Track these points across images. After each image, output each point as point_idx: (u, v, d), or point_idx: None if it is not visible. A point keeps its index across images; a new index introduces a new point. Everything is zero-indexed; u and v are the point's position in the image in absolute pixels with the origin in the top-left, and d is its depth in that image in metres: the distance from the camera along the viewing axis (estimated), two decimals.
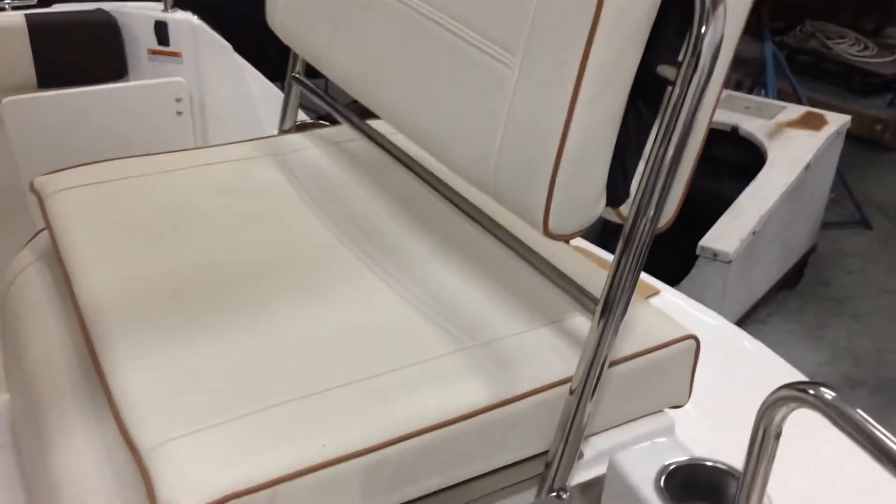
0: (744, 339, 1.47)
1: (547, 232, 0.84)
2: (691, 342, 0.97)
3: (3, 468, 1.25)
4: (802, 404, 0.66)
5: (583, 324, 0.96)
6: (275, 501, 0.78)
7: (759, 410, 0.71)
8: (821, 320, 2.96)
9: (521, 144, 0.84)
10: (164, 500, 0.75)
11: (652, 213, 0.82)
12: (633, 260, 0.83)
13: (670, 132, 0.79)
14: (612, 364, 0.91)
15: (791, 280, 3.08)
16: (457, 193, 1.10)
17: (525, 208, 0.85)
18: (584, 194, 0.84)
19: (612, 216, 0.87)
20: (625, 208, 0.85)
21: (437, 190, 1.11)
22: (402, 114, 1.04)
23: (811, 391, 0.65)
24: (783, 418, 0.69)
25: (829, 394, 0.64)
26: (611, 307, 0.85)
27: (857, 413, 0.62)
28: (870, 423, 0.61)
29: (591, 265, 1.06)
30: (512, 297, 1.01)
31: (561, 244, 1.13)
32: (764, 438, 0.71)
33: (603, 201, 0.85)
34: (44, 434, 1.00)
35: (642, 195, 0.81)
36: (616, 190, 0.85)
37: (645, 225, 0.82)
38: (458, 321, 0.97)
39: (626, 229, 0.83)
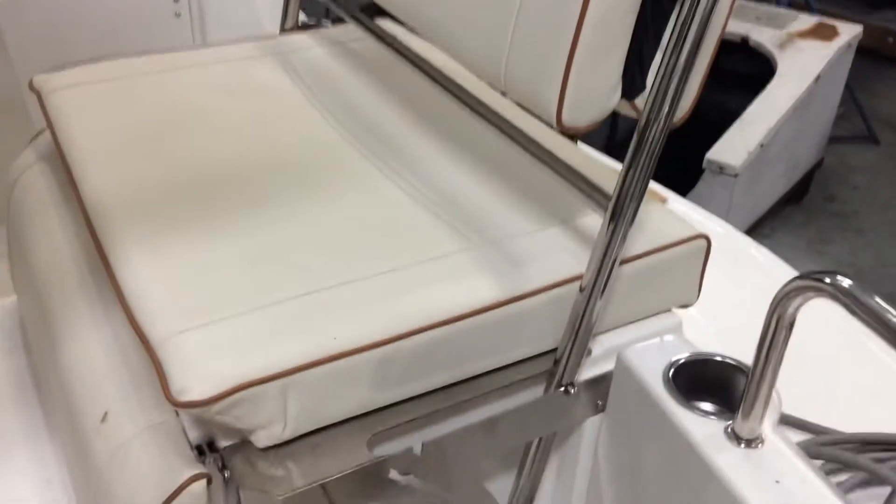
0: (751, 247, 1.46)
1: (560, 125, 0.82)
2: (702, 241, 0.96)
3: (14, 368, 1.26)
4: (818, 293, 0.66)
5: (593, 223, 0.95)
6: (286, 392, 0.78)
7: (773, 301, 0.71)
8: (825, 235, 2.96)
9: (534, 32, 0.82)
10: (177, 389, 0.75)
11: (668, 106, 0.80)
12: (647, 155, 0.82)
13: (690, 20, 0.76)
14: (623, 262, 0.91)
15: (796, 195, 3.06)
16: (465, 91, 1.07)
17: (537, 100, 0.83)
18: (599, 85, 0.82)
19: (626, 109, 0.85)
20: (640, 101, 0.83)
21: (445, 88, 1.09)
22: (411, 4, 1.00)
23: (827, 279, 0.65)
24: (797, 308, 0.69)
25: (846, 281, 0.64)
26: (623, 204, 0.83)
27: (875, 300, 0.61)
28: (888, 310, 0.61)
29: (601, 166, 1.04)
30: (522, 197, 1.00)
31: (571, 146, 1.11)
32: (777, 329, 0.71)
33: (618, 93, 0.83)
34: (53, 331, 1.00)
35: (659, 86, 0.79)
36: (632, 81, 0.83)
37: (661, 118, 0.80)
38: (467, 220, 0.96)
39: (641, 123, 0.81)
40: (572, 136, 1.13)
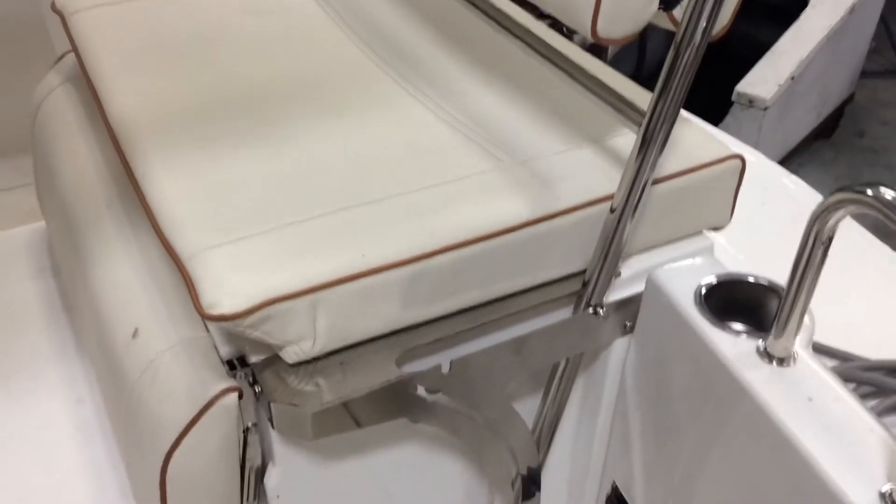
0: (782, 176, 1.44)
1: (595, 35, 0.80)
2: (737, 162, 0.94)
3: (45, 292, 1.28)
4: (860, 206, 0.64)
5: (625, 143, 0.93)
6: (315, 308, 0.78)
7: (812, 215, 0.69)
8: (854, 171, 2.91)
9: None
10: (208, 303, 0.75)
11: (706, 18, 0.77)
12: (683, 71, 0.79)
13: None
14: (655, 182, 0.89)
15: (826, 130, 3.00)
16: (494, 7, 1.05)
17: (571, 9, 0.81)
18: None
19: (663, 21, 0.83)
20: (678, 13, 0.81)
21: (474, 5, 1.06)
22: None
23: (870, 191, 0.63)
24: (837, 222, 0.68)
25: (889, 193, 0.62)
26: (657, 122, 0.81)
27: None
28: None
29: (633, 85, 1.02)
30: (553, 117, 0.98)
31: (603, 66, 1.09)
32: (815, 244, 0.69)
33: (655, 3, 0.81)
34: (82, 251, 1.00)
35: None
36: None
37: (699, 30, 0.77)
38: (497, 139, 0.95)
39: (679, 36, 0.78)
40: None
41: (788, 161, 2.83)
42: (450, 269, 0.84)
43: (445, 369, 0.86)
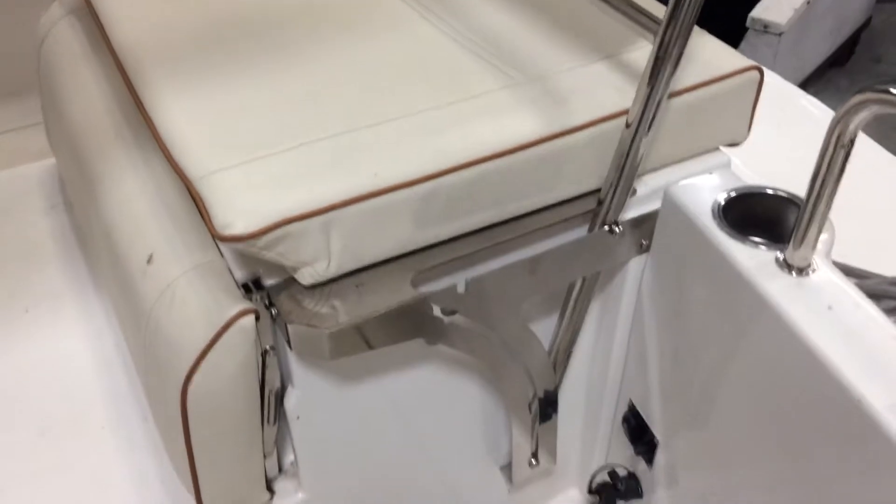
0: (801, 97, 1.41)
1: None
2: (755, 74, 0.92)
3: (58, 227, 1.28)
4: (883, 105, 0.62)
5: (640, 57, 0.91)
6: (329, 228, 0.78)
7: (833, 119, 0.67)
8: None
9: None
10: (221, 224, 0.75)
11: None
12: None
13: None
14: (671, 96, 0.87)
15: (841, 57, 2.95)
16: None
17: None
18: None
19: None
20: None
21: None
22: None
23: (893, 90, 0.61)
24: (859, 125, 0.66)
25: None
26: (673, 32, 0.79)
27: None
28: None
29: None
30: (565, 33, 0.96)
31: None
32: (836, 148, 0.68)
33: None
34: (93, 182, 1.00)
35: None
36: None
37: None
38: (508, 58, 0.93)
39: None
40: None
41: (803, 89, 2.78)
42: (463, 188, 0.83)
43: (461, 289, 0.86)
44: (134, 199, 0.92)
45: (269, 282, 0.83)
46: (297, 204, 0.76)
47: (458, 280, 0.85)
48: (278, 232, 0.75)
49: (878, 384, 0.68)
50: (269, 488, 0.97)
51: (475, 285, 0.86)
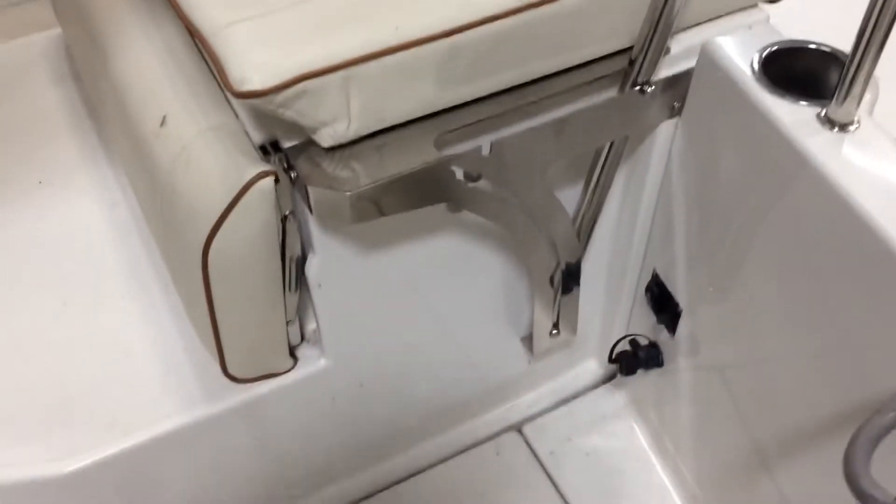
0: None
1: None
2: None
3: (66, 98, 1.24)
4: None
5: None
6: (348, 85, 0.74)
7: None
8: None
9: None
10: (236, 79, 0.72)
11: None
12: None
13: None
14: None
15: None
16: None
17: None
18: None
19: None
20: None
21: None
22: None
23: None
24: None
25: None
26: None
27: None
28: None
29: None
30: None
31: None
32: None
33: None
34: (102, 47, 0.96)
35: None
36: None
37: None
38: None
39: None
40: None
41: None
42: (488, 44, 0.79)
43: (486, 152, 0.83)
44: (144, 62, 0.89)
45: (287, 144, 0.80)
46: (315, 58, 0.73)
47: (483, 143, 0.83)
48: (296, 88, 0.72)
49: None
50: (293, 354, 0.97)
51: (500, 148, 0.83)
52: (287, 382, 0.96)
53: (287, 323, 0.93)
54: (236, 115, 0.83)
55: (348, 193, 0.77)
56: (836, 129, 0.74)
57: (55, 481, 0.89)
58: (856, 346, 0.75)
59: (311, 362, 0.98)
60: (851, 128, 0.74)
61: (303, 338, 0.99)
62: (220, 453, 0.99)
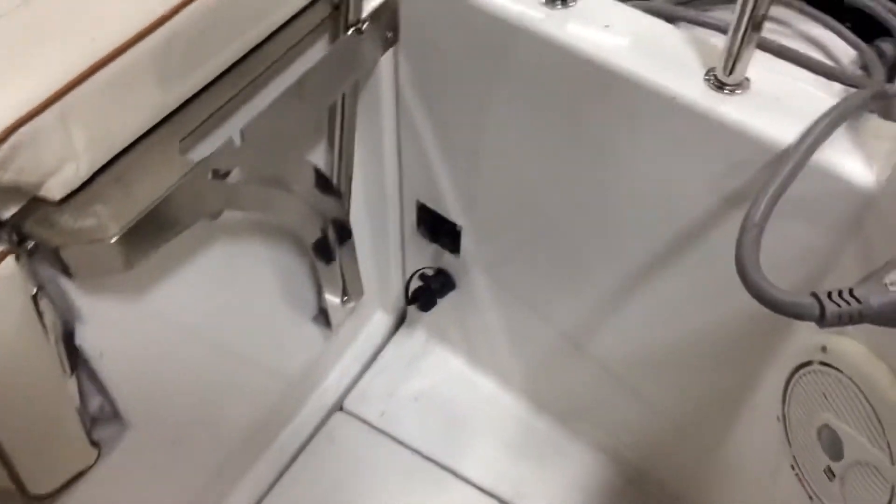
0: None
1: None
2: None
3: None
4: None
5: None
6: (66, 119, 0.63)
7: None
8: None
9: None
10: None
11: None
12: None
13: None
14: None
15: None
16: None
17: None
18: None
19: None
20: None
21: None
22: None
23: None
24: None
25: None
26: None
27: None
28: None
29: None
30: None
31: None
32: None
33: None
34: None
35: None
36: None
37: None
38: None
39: None
40: None
41: None
42: (196, 28, 0.70)
43: (238, 142, 0.75)
44: None
45: (6, 214, 0.66)
46: (19, 101, 0.60)
47: (232, 133, 0.75)
48: (10, 142, 0.59)
49: (677, 75, 0.71)
50: (93, 443, 0.84)
51: (251, 133, 0.76)
52: (99, 475, 0.84)
53: (76, 409, 0.79)
54: None
55: (114, 240, 0.66)
56: (559, 4, 0.77)
57: None
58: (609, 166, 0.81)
59: (115, 440, 0.86)
60: (571, 3, 0.77)
61: (95, 419, 0.85)
62: None
